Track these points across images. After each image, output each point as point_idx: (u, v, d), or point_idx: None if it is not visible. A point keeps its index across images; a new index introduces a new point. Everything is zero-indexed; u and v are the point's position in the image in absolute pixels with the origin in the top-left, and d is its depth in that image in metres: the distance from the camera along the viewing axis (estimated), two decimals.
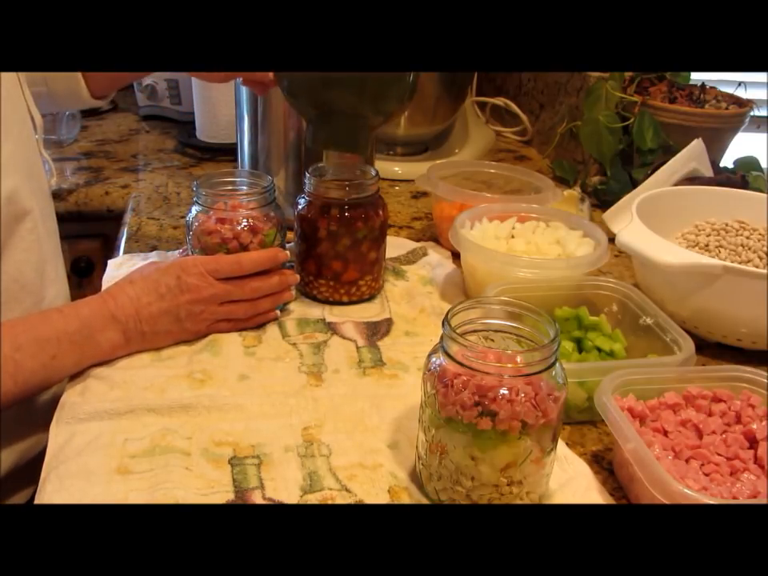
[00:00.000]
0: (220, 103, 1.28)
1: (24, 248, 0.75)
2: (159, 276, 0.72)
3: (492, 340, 0.56)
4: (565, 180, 1.25)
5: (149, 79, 1.44)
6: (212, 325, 0.75)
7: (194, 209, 0.77)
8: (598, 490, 0.60)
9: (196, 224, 0.77)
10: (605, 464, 0.63)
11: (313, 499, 0.57)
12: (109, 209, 1.14)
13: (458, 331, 0.52)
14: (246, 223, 0.76)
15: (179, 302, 0.71)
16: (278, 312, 0.79)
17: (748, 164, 1.10)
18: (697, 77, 1.24)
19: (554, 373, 0.53)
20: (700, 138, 1.04)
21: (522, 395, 0.51)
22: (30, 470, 0.71)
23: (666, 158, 1.05)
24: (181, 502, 0.56)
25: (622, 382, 0.62)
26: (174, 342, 0.74)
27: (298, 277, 0.80)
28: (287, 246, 0.83)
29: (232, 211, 0.77)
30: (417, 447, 0.59)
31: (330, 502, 0.57)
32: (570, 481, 0.60)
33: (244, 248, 0.76)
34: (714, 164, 1.07)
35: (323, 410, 0.67)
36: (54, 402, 0.67)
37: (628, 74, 1.17)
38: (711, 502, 0.50)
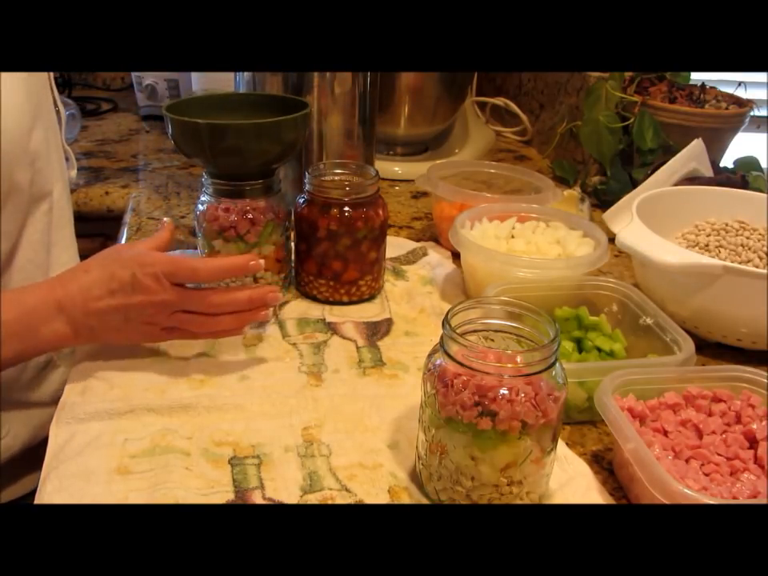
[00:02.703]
0: None
1: (39, 229, 0.76)
2: (116, 269, 0.65)
3: (492, 340, 0.56)
4: (565, 180, 1.25)
5: (149, 79, 1.44)
6: (164, 331, 0.69)
7: (203, 197, 0.79)
8: (597, 490, 0.60)
9: (202, 209, 0.79)
10: (605, 464, 0.63)
11: (313, 499, 0.57)
12: (109, 209, 1.15)
13: (458, 331, 0.52)
14: (247, 213, 0.77)
15: (129, 303, 0.65)
16: (246, 329, 0.73)
17: (748, 164, 1.10)
18: (697, 77, 1.24)
19: (553, 373, 0.53)
20: (700, 138, 1.04)
21: (522, 395, 0.51)
22: (37, 453, 0.71)
23: (666, 158, 1.05)
24: (181, 501, 0.56)
25: (622, 382, 0.62)
26: (126, 342, 0.70)
27: (279, 296, 0.71)
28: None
29: (238, 199, 0.78)
30: (417, 447, 0.59)
31: (330, 502, 0.57)
32: (570, 481, 0.60)
33: (241, 238, 0.77)
34: (714, 164, 1.07)
35: (323, 410, 0.67)
36: (64, 384, 0.68)
37: (628, 74, 1.17)
38: (711, 502, 0.50)
